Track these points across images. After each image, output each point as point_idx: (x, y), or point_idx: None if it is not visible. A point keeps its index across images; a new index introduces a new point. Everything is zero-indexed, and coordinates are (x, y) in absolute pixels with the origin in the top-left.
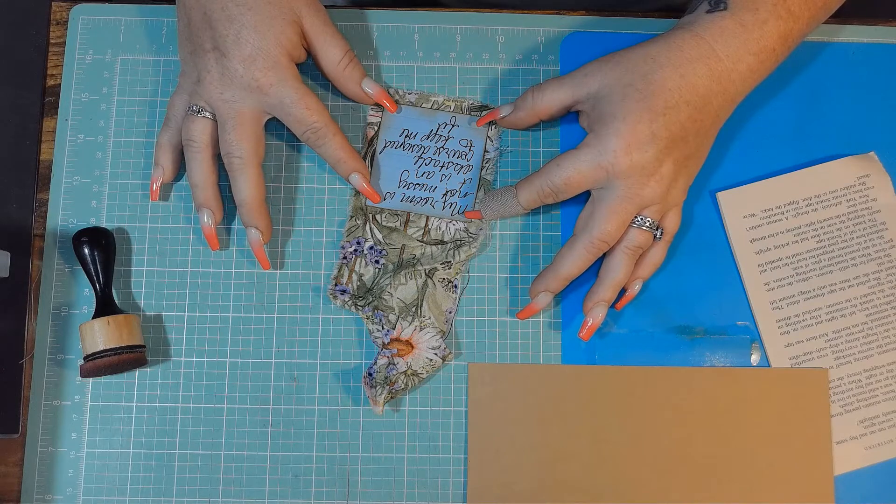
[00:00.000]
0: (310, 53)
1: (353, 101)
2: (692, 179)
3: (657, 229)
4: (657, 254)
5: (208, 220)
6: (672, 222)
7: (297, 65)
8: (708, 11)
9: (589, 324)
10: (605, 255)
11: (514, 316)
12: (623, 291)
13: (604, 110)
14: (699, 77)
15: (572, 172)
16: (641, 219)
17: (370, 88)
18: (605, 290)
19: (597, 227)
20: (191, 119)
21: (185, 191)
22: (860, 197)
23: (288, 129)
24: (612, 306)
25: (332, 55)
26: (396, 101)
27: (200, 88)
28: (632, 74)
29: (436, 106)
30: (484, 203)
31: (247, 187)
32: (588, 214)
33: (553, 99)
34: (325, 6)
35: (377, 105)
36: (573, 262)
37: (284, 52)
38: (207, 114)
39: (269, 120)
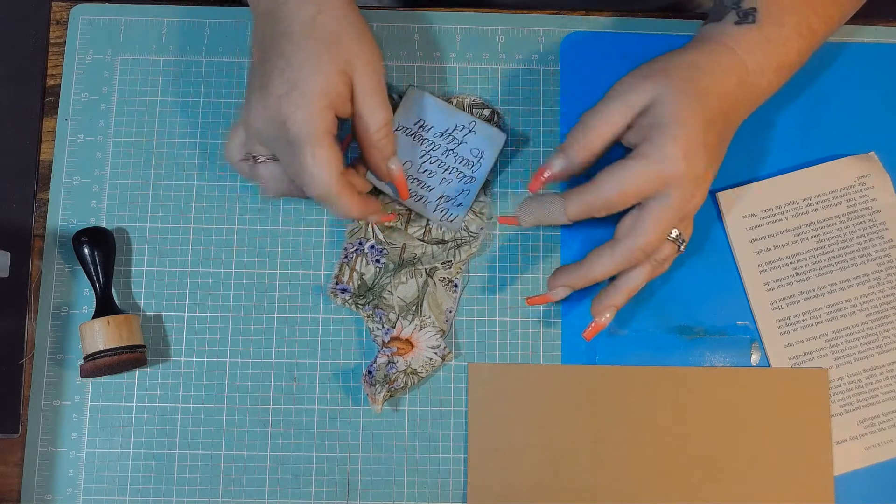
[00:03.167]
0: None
1: (373, 172)
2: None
3: (682, 242)
4: (666, 264)
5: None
6: (688, 232)
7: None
8: (737, 23)
9: (594, 325)
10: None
11: (524, 298)
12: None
13: (658, 118)
14: (731, 87)
15: (628, 184)
16: (675, 231)
17: (395, 169)
18: (619, 296)
19: (643, 237)
20: (253, 170)
21: (185, 191)
22: (860, 197)
23: None
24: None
25: (374, 121)
26: (414, 87)
27: (250, 130)
28: (683, 82)
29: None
30: (523, 209)
31: (350, 203)
32: (632, 222)
33: (606, 127)
34: None
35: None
36: (606, 268)
37: (325, 97)
38: (262, 158)
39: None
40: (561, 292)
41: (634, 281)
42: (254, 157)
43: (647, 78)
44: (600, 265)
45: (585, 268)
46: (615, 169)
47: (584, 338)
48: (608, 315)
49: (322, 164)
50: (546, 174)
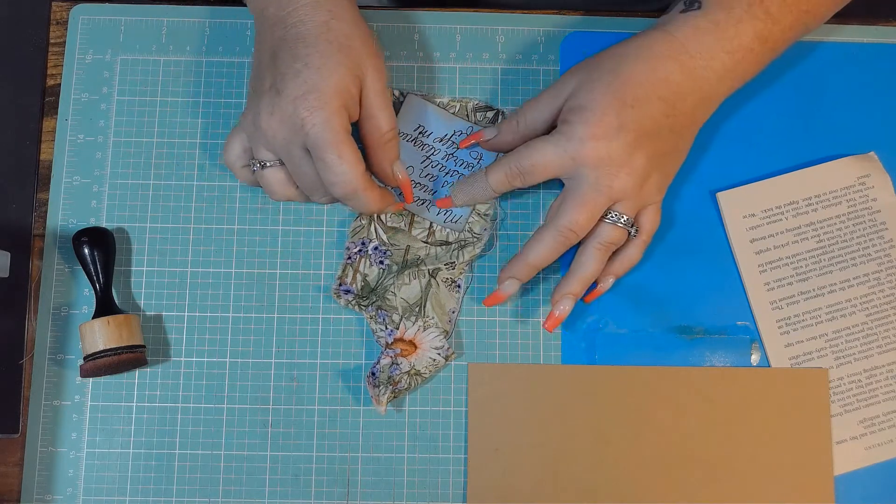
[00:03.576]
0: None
1: (376, 175)
2: (669, 179)
3: (632, 226)
4: (633, 252)
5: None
6: (649, 221)
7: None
8: (682, 11)
9: (555, 315)
10: (577, 247)
11: (481, 303)
12: (594, 285)
13: (574, 103)
14: (670, 73)
15: (539, 157)
16: (616, 215)
17: (400, 173)
18: (573, 284)
19: (564, 216)
20: (260, 176)
21: (185, 191)
22: (860, 197)
23: None
24: (582, 300)
25: (381, 123)
26: (413, 94)
27: (259, 134)
28: (600, 70)
29: (441, 106)
30: (455, 188)
31: (370, 201)
32: (559, 203)
33: (537, 118)
34: None
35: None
36: (540, 251)
37: (340, 98)
38: (269, 163)
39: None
40: (510, 285)
41: (585, 268)
42: (260, 163)
43: (576, 70)
44: (535, 249)
45: (523, 254)
46: (534, 142)
47: (545, 329)
48: (565, 305)
49: (348, 162)
50: (478, 139)
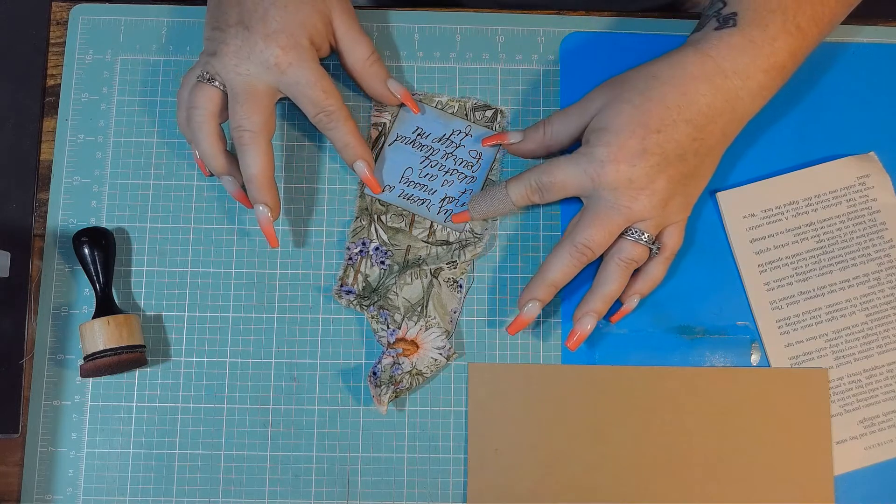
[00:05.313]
0: (336, 50)
1: (376, 100)
2: (693, 199)
3: (653, 244)
4: (656, 270)
5: (233, 188)
6: (672, 239)
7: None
8: (716, 28)
9: (577, 335)
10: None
11: (505, 329)
12: (619, 304)
13: (599, 124)
14: (702, 95)
15: (560, 174)
16: (638, 232)
17: (396, 88)
18: (595, 301)
19: (580, 233)
20: (200, 87)
21: (185, 191)
22: (860, 197)
23: (289, 127)
24: (607, 319)
25: (360, 52)
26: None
27: (215, 60)
28: (631, 91)
29: (440, 106)
30: (473, 202)
31: (257, 162)
32: (576, 220)
33: (562, 131)
34: None
35: (401, 106)
36: (557, 267)
37: (308, 36)
38: (217, 83)
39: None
40: (531, 308)
41: (607, 285)
42: (209, 77)
43: (603, 88)
44: (553, 266)
45: (540, 273)
46: (556, 160)
47: (567, 348)
48: (588, 323)
49: (331, 90)
50: (502, 140)
